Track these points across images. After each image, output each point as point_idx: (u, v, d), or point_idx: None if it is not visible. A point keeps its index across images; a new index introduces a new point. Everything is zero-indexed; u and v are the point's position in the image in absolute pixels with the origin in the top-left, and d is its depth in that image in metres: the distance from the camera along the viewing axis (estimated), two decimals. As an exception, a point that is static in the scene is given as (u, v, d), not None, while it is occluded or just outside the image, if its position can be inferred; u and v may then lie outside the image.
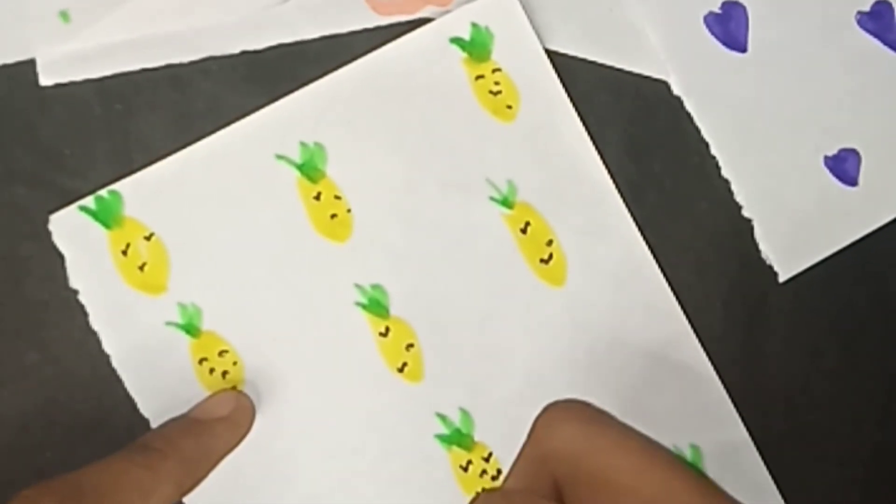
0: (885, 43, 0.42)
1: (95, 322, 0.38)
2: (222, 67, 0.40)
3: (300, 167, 0.39)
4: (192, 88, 0.40)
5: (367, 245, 0.39)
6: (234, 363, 0.38)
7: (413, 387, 0.39)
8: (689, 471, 0.33)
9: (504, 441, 0.39)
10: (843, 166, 0.41)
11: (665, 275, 0.40)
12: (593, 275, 0.40)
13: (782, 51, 0.42)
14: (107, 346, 0.38)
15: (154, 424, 0.38)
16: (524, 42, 0.40)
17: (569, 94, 0.40)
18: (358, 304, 0.39)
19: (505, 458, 0.39)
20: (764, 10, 0.42)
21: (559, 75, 0.40)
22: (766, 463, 0.40)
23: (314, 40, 0.40)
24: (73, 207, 0.38)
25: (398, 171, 0.40)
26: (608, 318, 0.40)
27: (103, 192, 0.38)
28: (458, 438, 0.39)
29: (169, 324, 0.38)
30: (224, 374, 0.38)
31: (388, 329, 0.39)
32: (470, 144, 0.40)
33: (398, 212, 0.40)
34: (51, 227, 0.38)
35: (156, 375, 0.38)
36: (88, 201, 0.38)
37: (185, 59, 0.40)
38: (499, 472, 0.39)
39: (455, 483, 0.39)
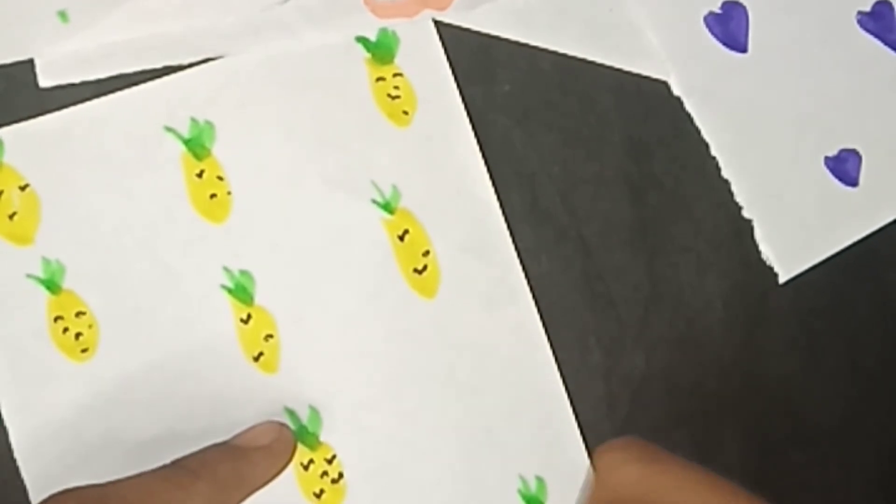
0: (886, 43, 0.42)
1: (-46, 263, 0.38)
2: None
3: (187, 142, 0.39)
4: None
5: (243, 230, 0.39)
6: (90, 326, 0.38)
7: (266, 377, 0.39)
8: (756, 499, 0.33)
9: (350, 446, 0.39)
10: (844, 167, 0.41)
11: (665, 276, 0.40)
12: (465, 292, 0.40)
13: (783, 51, 0.42)
14: (-38, 289, 0.38)
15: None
16: (429, 51, 0.40)
17: (569, 95, 0.41)
18: (223, 287, 0.39)
19: (349, 463, 0.39)
20: (764, 11, 0.42)
21: (560, 76, 0.41)
22: (766, 465, 0.40)
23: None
24: (-49, 148, 0.38)
25: (285, 160, 0.40)
26: (474, 338, 0.39)
27: (-17, 137, 0.38)
28: (304, 436, 0.39)
29: (30, 276, 0.38)
30: (77, 335, 0.38)
31: (249, 316, 0.39)
32: (361, 144, 0.40)
33: (278, 201, 0.39)
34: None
35: (6, 326, 0.38)
36: (-33, 144, 0.38)
37: (185, 60, 0.40)
38: (340, 475, 0.39)
39: (294, 480, 0.39)
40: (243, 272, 0.39)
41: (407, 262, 0.39)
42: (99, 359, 0.38)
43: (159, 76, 0.39)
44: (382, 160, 0.40)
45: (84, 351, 0.38)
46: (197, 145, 0.39)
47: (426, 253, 0.40)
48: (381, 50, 0.40)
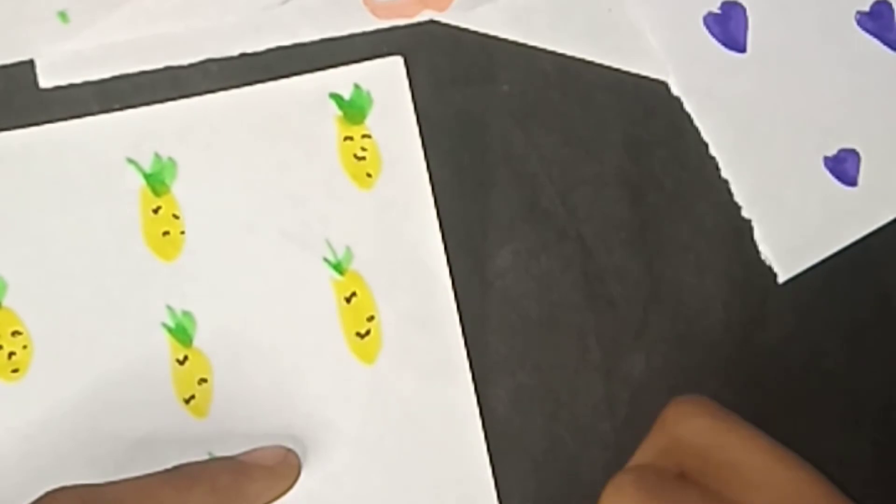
0: (885, 43, 0.42)
1: None
2: (222, 69, 0.40)
3: (148, 176, 0.39)
4: (191, 90, 0.40)
5: (191, 271, 0.39)
6: (24, 347, 0.38)
7: (195, 421, 0.39)
8: (817, 473, 0.33)
9: (269, 501, 0.38)
10: (843, 166, 0.41)
11: (665, 276, 0.40)
12: (404, 362, 0.39)
13: (782, 51, 0.42)
14: None
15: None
16: (401, 115, 0.40)
17: (569, 95, 0.41)
18: (164, 325, 0.39)
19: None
20: (763, 11, 0.42)
21: (559, 76, 0.41)
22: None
23: (313, 43, 0.40)
24: None
25: (243, 208, 0.39)
26: (406, 411, 0.39)
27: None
28: (223, 485, 0.38)
29: (-33, 290, 0.38)
30: (10, 355, 0.38)
31: (186, 358, 0.39)
32: (320, 201, 0.40)
33: (230, 247, 0.39)
34: None
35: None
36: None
37: (185, 60, 0.40)
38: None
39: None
40: (186, 313, 0.39)
41: (350, 324, 0.39)
42: (28, 381, 0.38)
43: (137, 106, 0.39)
44: (340, 220, 0.39)
45: (14, 371, 0.38)
46: (157, 181, 0.39)
47: (371, 318, 0.39)
48: (353, 109, 0.40)
